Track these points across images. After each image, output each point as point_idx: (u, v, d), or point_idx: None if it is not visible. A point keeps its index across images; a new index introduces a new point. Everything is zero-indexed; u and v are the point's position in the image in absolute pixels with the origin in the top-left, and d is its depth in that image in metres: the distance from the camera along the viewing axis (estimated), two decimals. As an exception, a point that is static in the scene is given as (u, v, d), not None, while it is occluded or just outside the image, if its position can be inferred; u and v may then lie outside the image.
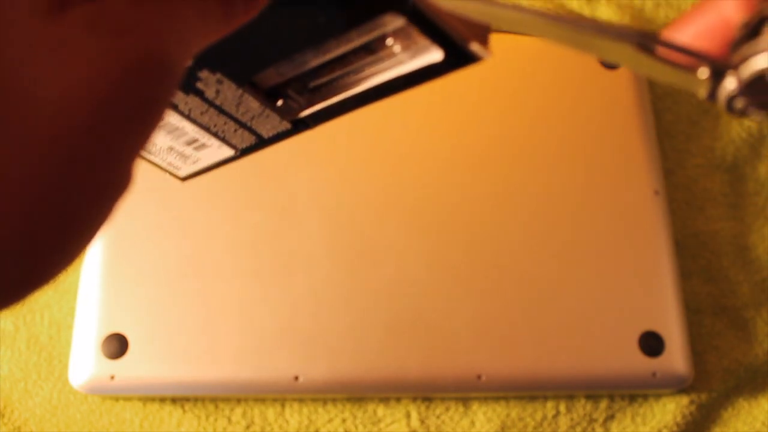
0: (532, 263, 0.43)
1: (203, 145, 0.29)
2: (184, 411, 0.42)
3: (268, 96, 0.26)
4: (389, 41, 0.24)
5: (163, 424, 0.42)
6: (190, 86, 0.26)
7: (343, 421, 0.42)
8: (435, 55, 0.24)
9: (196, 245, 0.43)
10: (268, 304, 0.42)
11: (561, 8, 0.53)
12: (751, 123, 0.50)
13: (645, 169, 0.46)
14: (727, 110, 0.22)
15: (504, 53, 0.49)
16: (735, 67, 0.21)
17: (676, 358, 0.41)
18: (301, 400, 0.42)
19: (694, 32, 0.23)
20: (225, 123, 0.28)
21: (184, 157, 0.30)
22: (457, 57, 0.23)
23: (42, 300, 0.45)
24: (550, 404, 0.43)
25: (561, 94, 0.48)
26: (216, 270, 0.42)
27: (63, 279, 0.45)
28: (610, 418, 0.43)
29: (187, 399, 0.42)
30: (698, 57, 0.21)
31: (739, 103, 0.21)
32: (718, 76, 0.21)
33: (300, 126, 0.28)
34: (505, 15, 0.21)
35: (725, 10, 0.23)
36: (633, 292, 0.43)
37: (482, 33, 0.23)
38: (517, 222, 0.44)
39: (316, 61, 0.25)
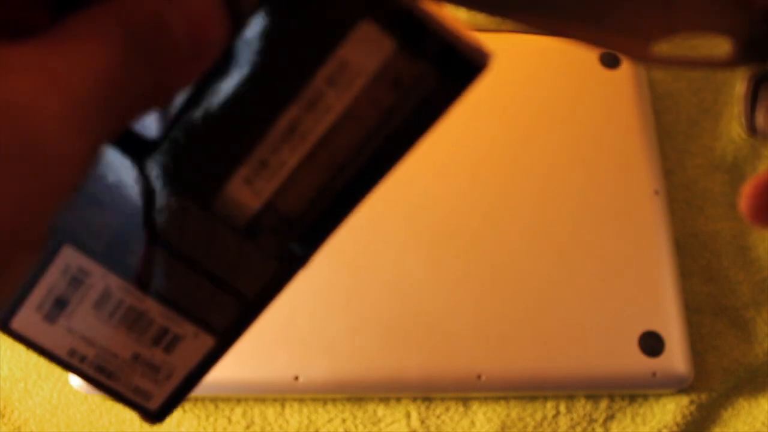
0: (532, 263, 0.43)
1: (175, 338, 0.22)
2: (184, 411, 0.42)
3: (243, 233, 0.20)
4: (370, 87, 0.18)
5: (163, 424, 0.42)
6: (150, 230, 0.20)
7: (343, 421, 0.42)
8: (430, 85, 0.18)
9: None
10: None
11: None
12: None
13: (645, 169, 0.46)
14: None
15: (504, 53, 0.49)
16: None
17: (676, 358, 0.41)
18: (301, 400, 0.42)
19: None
20: (198, 286, 0.21)
21: (153, 370, 0.23)
22: (460, 71, 0.18)
23: (42, 300, 0.45)
24: (550, 404, 0.43)
25: (561, 94, 0.48)
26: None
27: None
28: (610, 418, 0.43)
29: (186, 399, 0.42)
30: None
31: None
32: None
33: (290, 265, 0.21)
34: None
35: None
36: (633, 292, 0.43)
37: (472, 36, 0.19)
38: (517, 222, 0.44)
39: (294, 157, 0.19)
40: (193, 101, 0.18)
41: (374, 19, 0.17)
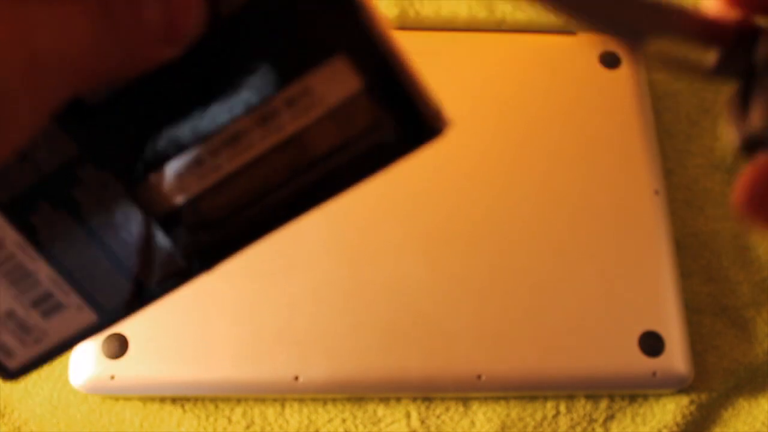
0: (532, 263, 0.43)
1: (57, 306, 0.21)
2: (184, 411, 0.42)
3: (159, 222, 0.20)
4: (325, 119, 0.18)
5: (163, 424, 0.42)
6: (63, 194, 0.19)
7: (343, 421, 0.42)
8: (384, 135, 0.18)
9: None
10: (267, 304, 0.42)
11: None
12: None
13: (645, 169, 0.46)
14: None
15: (504, 53, 0.49)
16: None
17: (676, 358, 0.41)
18: (301, 400, 0.42)
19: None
20: (96, 262, 0.20)
21: (24, 330, 0.21)
22: (416, 132, 0.18)
23: (42, 300, 0.45)
24: (550, 404, 0.43)
25: (561, 94, 0.48)
26: (216, 270, 0.42)
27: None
28: (610, 418, 0.43)
29: (187, 399, 0.42)
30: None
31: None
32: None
33: (198, 265, 0.21)
34: None
35: None
36: (633, 292, 0.43)
37: (434, 98, 0.19)
38: (517, 222, 0.44)
39: (230, 164, 0.19)
40: (146, 81, 0.17)
41: (350, 55, 0.17)
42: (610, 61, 0.49)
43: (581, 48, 0.49)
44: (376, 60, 0.17)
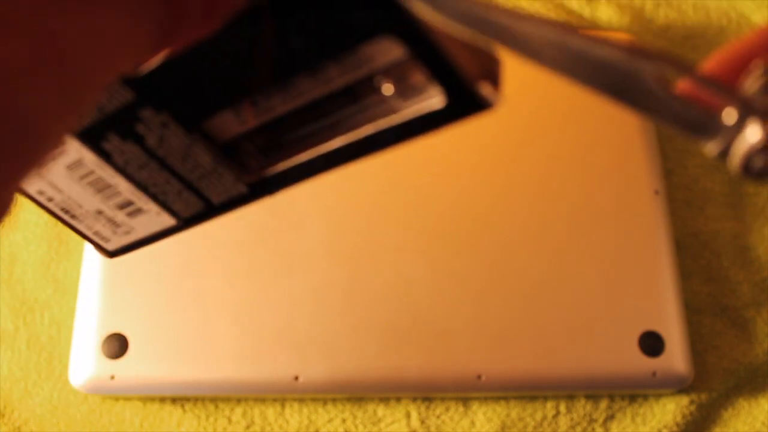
0: (532, 263, 0.43)
1: (139, 210, 0.24)
2: (184, 411, 0.42)
3: (222, 150, 0.22)
4: (377, 82, 0.19)
5: (163, 424, 0.42)
6: (128, 129, 0.21)
7: (343, 421, 0.42)
8: (433, 100, 0.19)
9: (196, 245, 0.43)
10: (267, 304, 0.42)
11: (560, 8, 0.53)
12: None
13: (645, 169, 0.46)
14: (743, 172, 0.17)
15: (502, 53, 0.49)
16: (763, 113, 0.17)
17: (676, 358, 0.41)
18: (301, 400, 0.42)
19: (726, 68, 0.20)
20: (167, 182, 0.23)
21: (114, 225, 0.25)
22: (463, 103, 0.19)
23: (42, 299, 0.45)
24: (550, 404, 0.43)
25: (561, 94, 0.48)
26: (216, 270, 0.42)
27: (63, 279, 0.45)
28: (610, 418, 0.43)
29: (187, 399, 0.42)
30: (727, 93, 0.17)
31: (760, 161, 0.17)
32: (741, 122, 0.17)
33: (258, 191, 0.23)
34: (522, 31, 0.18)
35: None
36: (633, 292, 0.43)
37: (492, 69, 0.19)
38: (517, 222, 0.44)
39: (283, 107, 0.20)
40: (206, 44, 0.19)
41: (403, 39, 0.17)
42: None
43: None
44: (420, 35, 0.17)
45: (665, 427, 0.42)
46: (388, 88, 0.19)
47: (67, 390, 0.42)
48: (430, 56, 0.17)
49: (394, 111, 0.20)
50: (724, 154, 0.17)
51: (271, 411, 0.42)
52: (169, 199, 0.23)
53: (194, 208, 0.24)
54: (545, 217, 0.44)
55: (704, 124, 0.17)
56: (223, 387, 0.41)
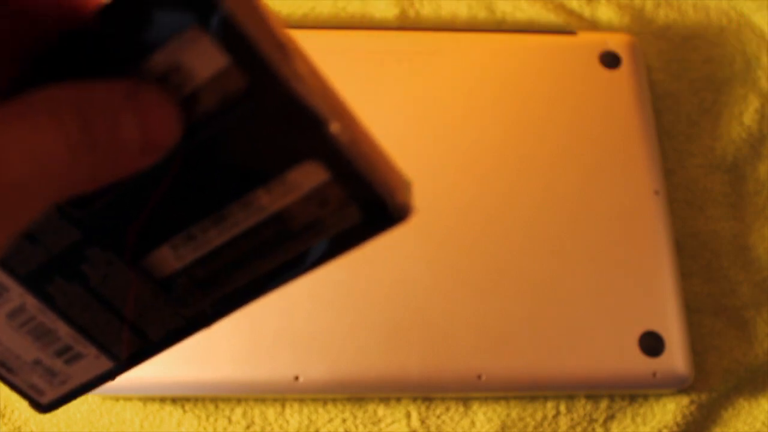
0: (532, 263, 0.43)
1: (78, 355, 0.24)
2: (184, 411, 0.42)
3: (160, 286, 0.22)
4: (305, 206, 0.20)
5: (163, 424, 0.42)
6: (74, 270, 0.21)
7: (343, 421, 0.42)
8: (352, 216, 0.20)
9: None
10: (268, 304, 0.41)
11: (560, 8, 0.53)
12: (751, 123, 0.50)
13: (645, 169, 0.46)
14: None
15: (504, 53, 0.49)
16: None
17: (676, 358, 0.41)
18: (301, 400, 0.42)
19: None
20: (108, 321, 0.23)
21: (51, 374, 0.24)
22: (378, 217, 0.20)
23: (42, 300, 0.45)
24: (550, 404, 0.43)
25: (561, 94, 0.48)
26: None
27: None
28: (610, 418, 0.43)
29: (187, 399, 0.42)
30: None
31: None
32: None
33: (196, 323, 0.23)
34: None
35: None
36: (633, 292, 0.43)
37: (402, 181, 0.20)
38: (517, 222, 0.44)
39: (219, 239, 0.21)
40: (140, 180, 0.19)
41: (323, 162, 0.18)
42: (610, 61, 0.49)
43: (581, 48, 0.49)
44: (342, 161, 0.18)
45: (665, 427, 0.42)
46: (312, 213, 0.20)
47: (67, 390, 0.42)
48: (352, 177, 0.19)
49: (320, 231, 0.21)
50: None
51: (271, 411, 0.42)
52: (109, 339, 0.23)
53: (131, 346, 0.24)
54: (545, 217, 0.44)
55: None
56: (224, 387, 0.41)
